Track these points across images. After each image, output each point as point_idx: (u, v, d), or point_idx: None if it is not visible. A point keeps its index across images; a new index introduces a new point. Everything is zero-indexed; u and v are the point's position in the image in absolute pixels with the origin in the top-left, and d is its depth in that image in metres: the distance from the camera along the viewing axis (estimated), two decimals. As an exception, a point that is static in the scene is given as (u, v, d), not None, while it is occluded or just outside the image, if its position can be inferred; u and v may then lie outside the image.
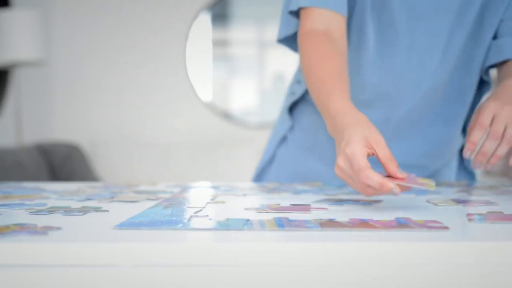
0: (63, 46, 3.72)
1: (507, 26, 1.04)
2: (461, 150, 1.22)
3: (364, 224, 0.60)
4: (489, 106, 0.85)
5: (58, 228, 0.59)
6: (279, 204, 0.76)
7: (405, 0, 0.99)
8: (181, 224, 0.61)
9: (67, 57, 3.73)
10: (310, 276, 0.52)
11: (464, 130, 1.16)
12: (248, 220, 0.63)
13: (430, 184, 0.73)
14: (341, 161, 0.74)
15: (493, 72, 1.13)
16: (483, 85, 1.13)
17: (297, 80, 1.18)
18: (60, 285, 0.51)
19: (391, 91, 1.05)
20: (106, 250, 0.52)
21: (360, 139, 0.73)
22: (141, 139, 3.69)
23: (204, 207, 0.74)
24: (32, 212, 0.71)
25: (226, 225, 0.60)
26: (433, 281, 0.51)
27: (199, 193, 0.97)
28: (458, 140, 1.16)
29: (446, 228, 0.59)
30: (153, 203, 0.79)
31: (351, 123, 0.76)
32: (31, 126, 3.37)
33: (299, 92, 1.16)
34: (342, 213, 0.69)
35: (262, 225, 0.60)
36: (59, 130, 3.71)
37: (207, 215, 0.67)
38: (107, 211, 0.72)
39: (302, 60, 0.95)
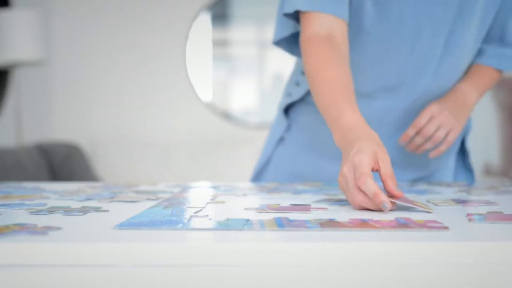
0: (63, 46, 3.72)
1: (492, 32, 1.09)
2: (459, 149, 1.23)
3: (364, 224, 0.60)
4: (431, 108, 1.03)
5: (58, 228, 0.59)
6: (279, 204, 0.76)
7: None
8: (181, 224, 0.61)
9: (67, 57, 3.72)
10: (310, 276, 0.52)
11: None
12: (248, 220, 0.63)
13: (427, 207, 0.72)
14: (346, 169, 0.75)
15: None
16: None
17: (295, 82, 1.17)
18: (60, 285, 0.51)
19: (393, 83, 1.05)
20: (106, 250, 0.52)
21: (370, 152, 0.74)
22: (141, 139, 3.69)
23: (204, 207, 0.74)
24: (32, 212, 0.71)
25: (226, 225, 0.60)
26: (433, 281, 0.51)
27: (199, 193, 0.97)
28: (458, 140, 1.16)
29: (446, 228, 0.59)
30: (153, 203, 0.79)
31: (363, 137, 0.78)
32: (31, 126, 3.37)
33: (297, 94, 1.15)
34: (342, 213, 0.69)
35: (262, 225, 0.60)
36: (59, 130, 3.71)
37: (207, 215, 0.67)
38: (107, 211, 0.72)
39: (306, 66, 0.95)
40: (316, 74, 0.92)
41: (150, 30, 3.73)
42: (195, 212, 0.69)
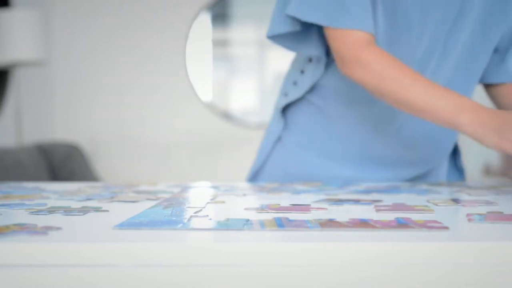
0: (63, 46, 3.72)
1: None
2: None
3: (364, 224, 0.60)
4: None
5: (58, 228, 0.59)
6: (279, 204, 0.76)
7: None
8: (181, 224, 0.61)
9: (67, 57, 3.73)
10: (310, 276, 0.52)
11: None
12: (248, 220, 0.63)
13: None
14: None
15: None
16: None
17: (293, 82, 1.16)
18: (60, 285, 0.51)
19: None
20: (106, 250, 0.52)
21: None
22: (141, 139, 3.69)
23: (204, 207, 0.74)
24: (32, 212, 0.71)
25: (226, 225, 0.60)
26: (433, 281, 0.51)
27: (199, 193, 0.97)
28: (456, 134, 1.17)
29: (446, 228, 0.59)
30: (153, 203, 0.79)
31: (493, 111, 0.85)
32: (31, 126, 3.37)
33: (295, 94, 1.15)
34: (342, 213, 0.69)
35: (262, 225, 0.60)
36: (59, 130, 3.71)
37: (207, 215, 0.67)
38: (107, 211, 0.72)
39: (381, 74, 0.93)
40: (404, 77, 0.92)
41: (150, 30, 3.73)
42: (195, 212, 0.69)
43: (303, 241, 0.54)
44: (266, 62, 3.95)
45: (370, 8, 0.97)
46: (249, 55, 3.93)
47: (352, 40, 0.95)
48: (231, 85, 3.98)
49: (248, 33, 3.92)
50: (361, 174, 1.12)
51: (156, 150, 3.57)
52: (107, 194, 0.90)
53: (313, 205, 0.76)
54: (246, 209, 0.73)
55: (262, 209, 0.72)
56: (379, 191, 0.93)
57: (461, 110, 0.87)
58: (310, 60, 1.12)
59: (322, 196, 0.86)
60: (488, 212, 0.68)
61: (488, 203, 0.78)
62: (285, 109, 1.19)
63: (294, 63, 1.19)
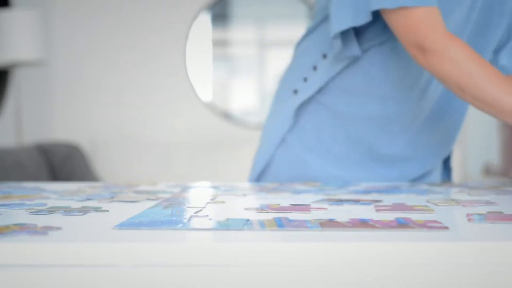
0: (63, 46, 3.72)
1: None
2: None
3: (364, 224, 0.60)
4: None
5: (58, 228, 0.59)
6: (279, 204, 0.76)
7: None
8: (181, 224, 0.61)
9: (67, 57, 3.72)
10: (310, 276, 0.52)
11: None
12: (248, 220, 0.63)
13: None
14: None
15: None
16: None
17: (303, 78, 1.13)
18: (60, 285, 0.51)
19: (408, 83, 1.07)
20: (106, 250, 0.52)
21: None
22: (141, 139, 3.69)
23: (204, 207, 0.74)
24: (32, 212, 0.71)
25: (226, 225, 0.60)
26: (433, 281, 0.51)
27: (199, 193, 0.97)
28: (458, 133, 1.18)
29: (446, 228, 0.59)
30: (153, 203, 0.79)
31: None
32: (31, 126, 3.37)
33: (306, 91, 1.11)
34: (342, 213, 0.69)
35: (262, 225, 0.60)
36: (59, 130, 3.71)
37: (207, 215, 0.67)
38: (107, 211, 0.72)
39: (463, 64, 0.92)
40: (484, 66, 0.92)
41: (150, 30, 3.73)
42: (195, 212, 0.69)
43: (303, 241, 0.54)
44: (266, 62, 3.95)
45: None
46: (249, 55, 3.93)
47: (432, 21, 0.93)
48: (231, 85, 3.98)
49: (248, 33, 3.92)
50: (366, 174, 1.12)
51: (156, 150, 3.57)
52: (107, 194, 0.90)
53: (313, 205, 0.76)
54: (246, 209, 0.73)
55: (262, 209, 0.72)
56: (379, 191, 0.93)
57: None
58: (324, 56, 1.10)
59: (322, 196, 0.86)
60: (488, 212, 0.68)
61: (488, 203, 0.78)
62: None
63: (304, 58, 1.14)
